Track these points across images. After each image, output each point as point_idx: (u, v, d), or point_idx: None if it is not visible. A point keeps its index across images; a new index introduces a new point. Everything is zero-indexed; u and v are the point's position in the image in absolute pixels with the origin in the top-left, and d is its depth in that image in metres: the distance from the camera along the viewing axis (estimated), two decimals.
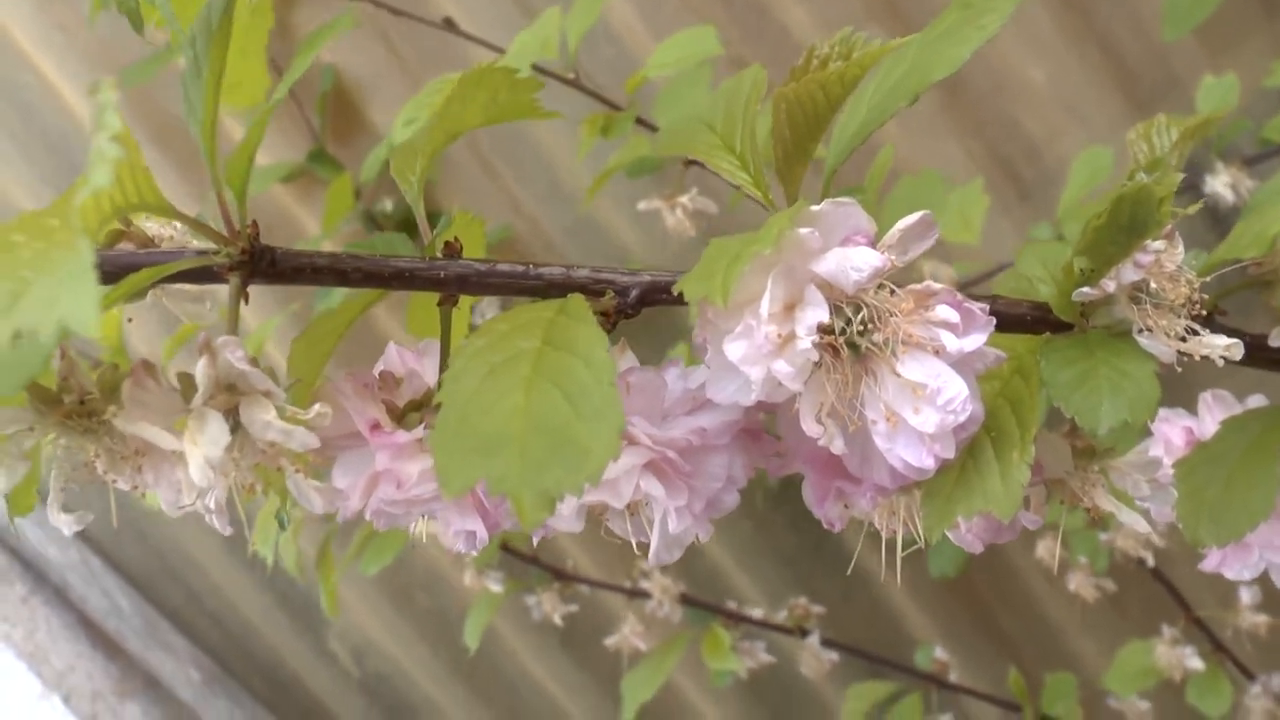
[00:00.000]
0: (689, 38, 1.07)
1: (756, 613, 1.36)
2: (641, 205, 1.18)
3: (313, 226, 1.66)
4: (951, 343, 0.38)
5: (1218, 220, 1.38)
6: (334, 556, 1.24)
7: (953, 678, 1.37)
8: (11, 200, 1.67)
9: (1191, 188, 1.25)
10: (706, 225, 1.19)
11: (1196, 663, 1.11)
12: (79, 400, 0.38)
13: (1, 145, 1.66)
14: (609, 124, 1.07)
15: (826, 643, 1.32)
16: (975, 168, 1.48)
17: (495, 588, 1.33)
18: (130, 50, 1.58)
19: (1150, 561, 1.04)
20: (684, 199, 1.15)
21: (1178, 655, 1.12)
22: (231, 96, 0.66)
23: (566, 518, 0.42)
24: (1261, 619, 1.13)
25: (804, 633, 1.32)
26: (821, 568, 1.57)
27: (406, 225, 1.64)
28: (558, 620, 1.39)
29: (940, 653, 1.37)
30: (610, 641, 1.38)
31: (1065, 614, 1.60)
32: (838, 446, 0.39)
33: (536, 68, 1.06)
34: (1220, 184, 1.22)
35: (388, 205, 1.64)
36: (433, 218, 1.63)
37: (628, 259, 1.59)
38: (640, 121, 1.08)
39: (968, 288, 1.35)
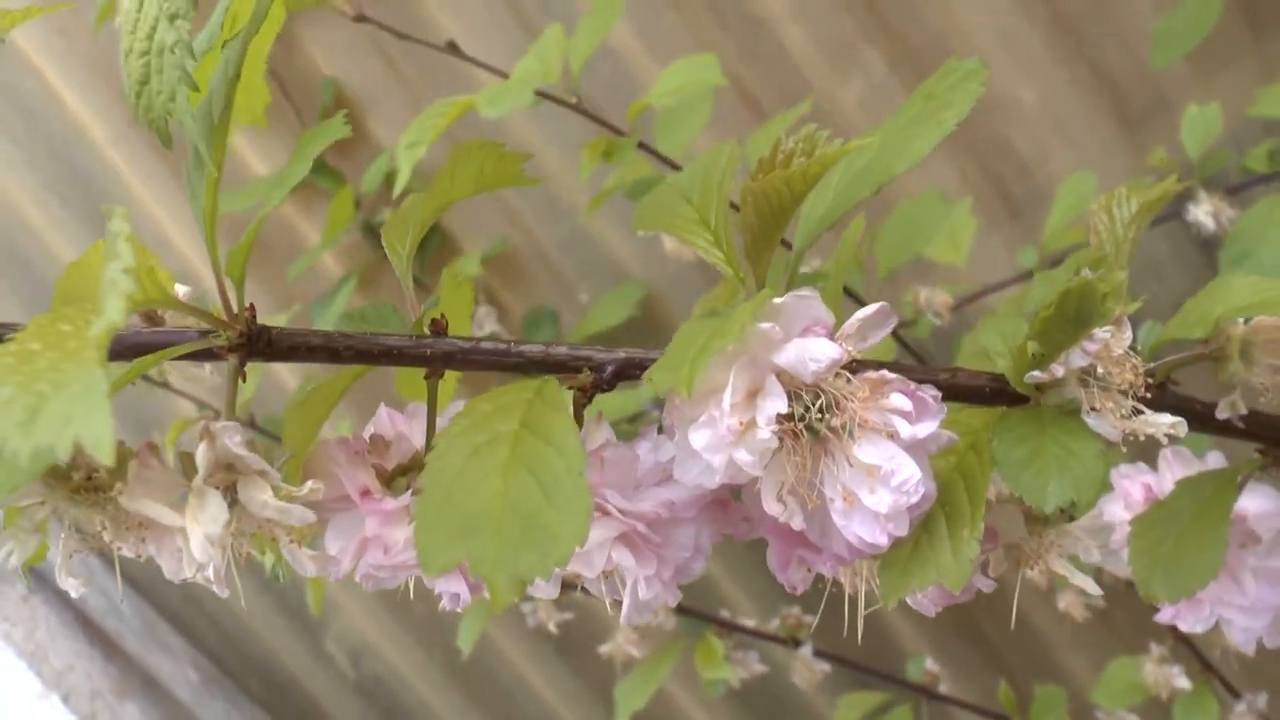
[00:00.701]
0: (691, 66, 1.09)
1: (749, 623, 1.38)
2: (641, 231, 1.20)
3: (313, 237, 1.69)
4: (904, 429, 0.41)
5: (1203, 244, 1.41)
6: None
7: (942, 689, 1.39)
8: (15, 205, 1.70)
9: (1175, 216, 1.27)
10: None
11: (1184, 681, 1.13)
12: (87, 476, 0.41)
13: (4, 150, 1.68)
14: (610, 149, 1.09)
15: (818, 653, 1.34)
16: (966, 186, 1.51)
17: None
18: None
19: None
20: None
21: (1165, 673, 1.14)
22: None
23: (543, 587, 0.45)
24: None
25: (797, 643, 1.34)
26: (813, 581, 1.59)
27: None
28: (552, 628, 1.41)
29: (931, 664, 1.39)
30: (605, 649, 1.40)
31: (1055, 629, 1.62)
32: (797, 523, 0.42)
33: (538, 91, 1.08)
34: (1202, 213, 1.24)
35: (387, 217, 1.66)
36: (431, 230, 1.65)
37: (623, 273, 1.62)
38: (641, 145, 1.10)
39: (956, 309, 1.38)
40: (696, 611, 1.36)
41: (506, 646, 1.81)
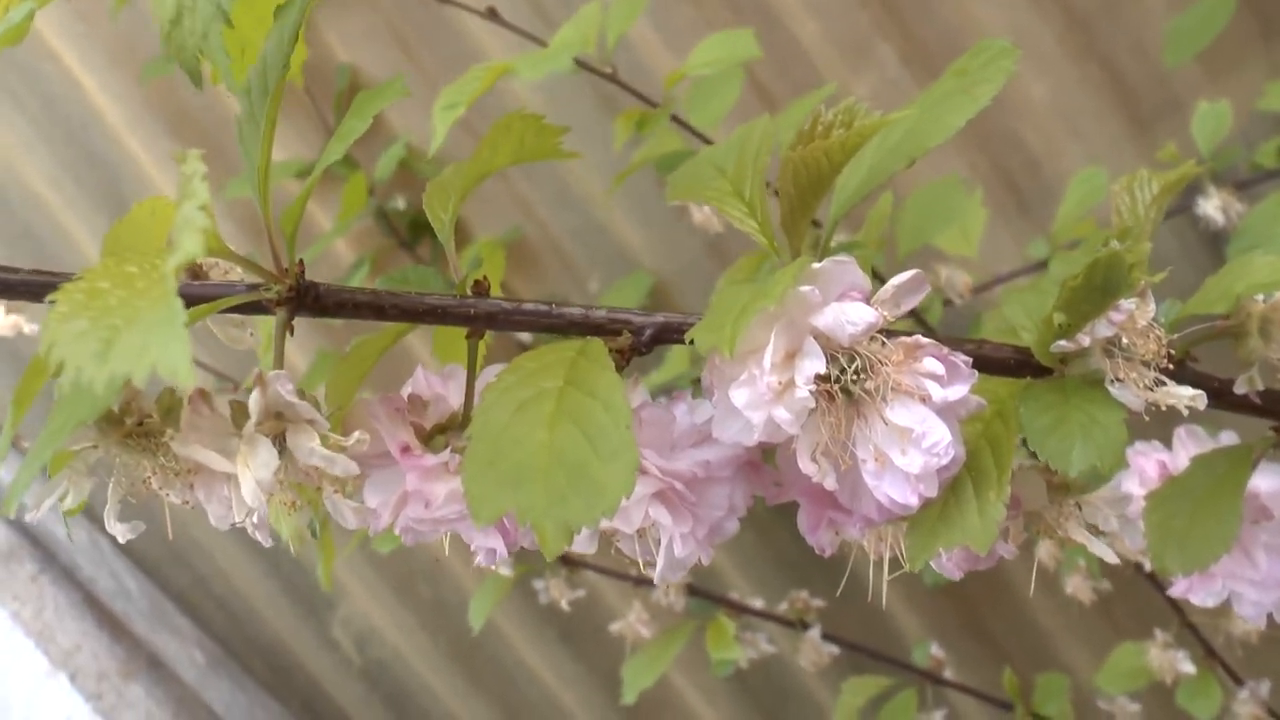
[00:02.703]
0: (728, 39, 1.10)
1: (758, 603, 1.39)
2: (674, 201, 1.21)
3: (326, 222, 1.70)
4: (936, 392, 0.42)
5: (1211, 239, 1.42)
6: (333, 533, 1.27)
7: (946, 676, 1.40)
8: (32, 187, 1.71)
9: (1184, 210, 1.28)
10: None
11: (1188, 667, 1.14)
12: (139, 422, 0.42)
13: (24, 133, 1.69)
14: (644, 119, 1.10)
15: (826, 636, 1.35)
16: (976, 179, 1.52)
17: (505, 571, 1.34)
18: (151, 43, 1.62)
19: (1147, 566, 1.07)
20: None
21: (1170, 659, 1.15)
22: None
23: (581, 540, 0.46)
24: (1252, 626, 1.16)
25: (805, 625, 1.35)
26: (820, 571, 1.61)
27: (417, 224, 1.67)
28: (565, 605, 1.42)
29: (936, 650, 1.40)
30: (615, 627, 1.41)
31: (1058, 617, 1.64)
32: (830, 483, 0.43)
33: (576, 60, 1.08)
34: (1211, 207, 1.25)
35: (400, 203, 1.68)
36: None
37: (634, 262, 1.63)
38: (673, 118, 1.10)
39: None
40: (707, 592, 1.37)
41: (510, 632, 1.82)
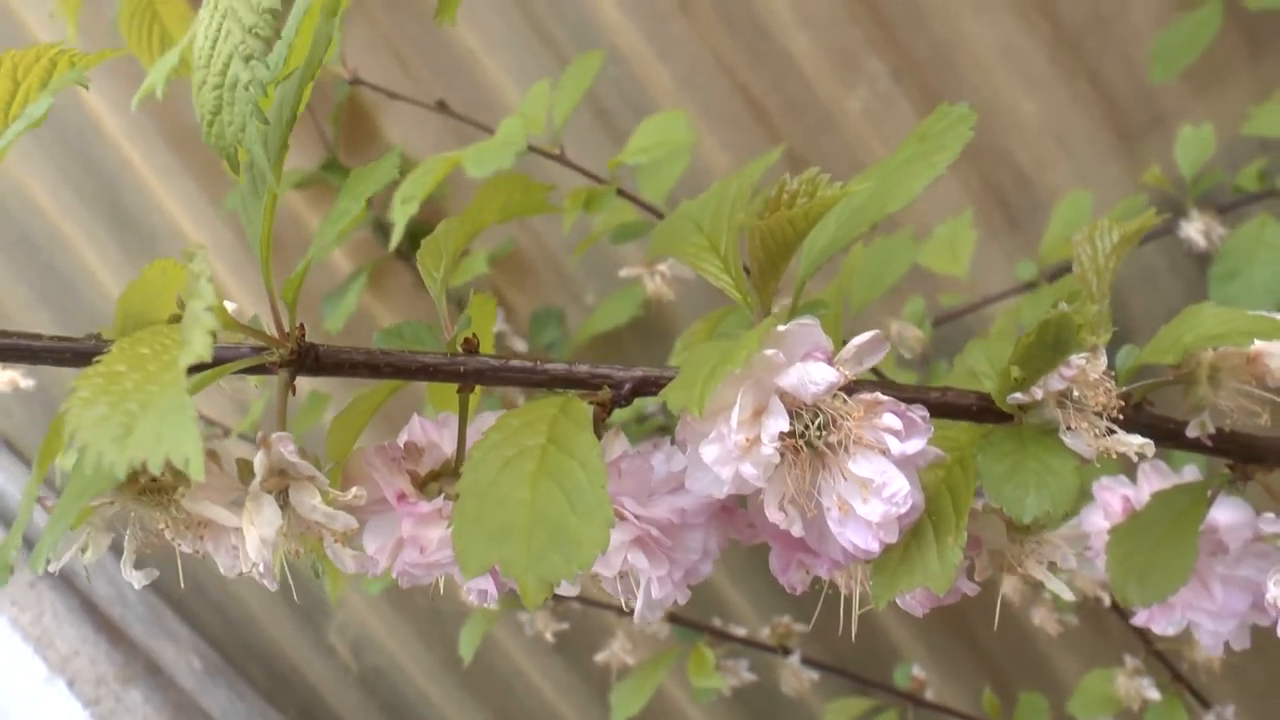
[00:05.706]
0: (663, 123, 1.12)
1: (741, 630, 1.41)
2: (623, 273, 1.23)
3: None
4: (895, 446, 0.45)
5: (1197, 256, 1.44)
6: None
7: (930, 695, 1.42)
8: (31, 198, 1.73)
9: (1168, 232, 1.31)
10: (684, 290, 1.25)
11: (1154, 693, 1.17)
12: (152, 479, 0.45)
13: (24, 143, 1.70)
14: (591, 199, 1.12)
15: (806, 661, 1.38)
16: (966, 195, 1.54)
17: (493, 605, 1.37)
18: None
19: (1107, 601, 1.10)
20: (662, 267, 1.20)
21: (1136, 685, 1.18)
22: None
23: (564, 587, 0.49)
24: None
25: (786, 651, 1.38)
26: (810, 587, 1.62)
27: (415, 236, 1.69)
28: (549, 637, 1.44)
29: (918, 670, 1.43)
30: (600, 657, 1.43)
31: (1043, 634, 1.66)
32: (796, 530, 0.46)
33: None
34: (1194, 230, 1.28)
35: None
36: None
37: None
38: (621, 192, 1.13)
39: (956, 318, 1.42)
40: (689, 620, 1.39)
41: (507, 640, 1.84)
